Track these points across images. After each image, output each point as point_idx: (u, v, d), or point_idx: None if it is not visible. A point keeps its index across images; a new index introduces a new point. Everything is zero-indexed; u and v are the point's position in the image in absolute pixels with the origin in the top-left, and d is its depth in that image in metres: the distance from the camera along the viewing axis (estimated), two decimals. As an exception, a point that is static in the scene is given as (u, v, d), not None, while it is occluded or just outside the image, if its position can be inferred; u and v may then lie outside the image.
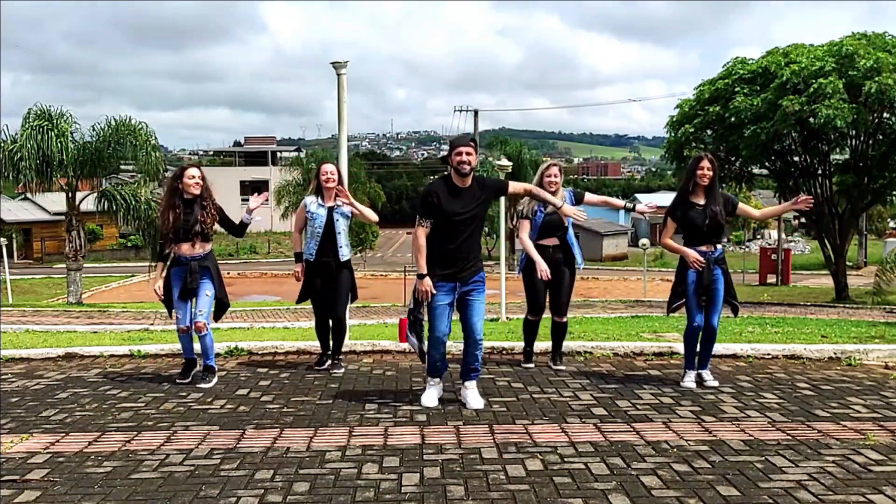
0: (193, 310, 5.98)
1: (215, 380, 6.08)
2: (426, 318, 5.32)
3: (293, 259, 6.77)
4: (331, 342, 6.68)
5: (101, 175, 24.61)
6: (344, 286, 6.46)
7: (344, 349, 7.19)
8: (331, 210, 6.38)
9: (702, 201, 5.79)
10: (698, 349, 5.98)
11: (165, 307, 6.23)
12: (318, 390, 5.87)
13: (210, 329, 6.03)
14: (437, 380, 5.43)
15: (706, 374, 5.99)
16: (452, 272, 5.19)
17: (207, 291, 5.96)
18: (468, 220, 5.16)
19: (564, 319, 6.59)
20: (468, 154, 5.08)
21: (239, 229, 6.28)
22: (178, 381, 6.14)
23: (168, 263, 6.10)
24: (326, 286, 6.45)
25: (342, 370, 6.53)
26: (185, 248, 5.90)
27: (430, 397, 5.36)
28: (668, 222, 5.97)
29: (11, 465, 4.20)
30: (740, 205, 6.04)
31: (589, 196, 6.71)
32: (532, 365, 6.64)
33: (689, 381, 5.94)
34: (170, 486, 3.87)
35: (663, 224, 6.08)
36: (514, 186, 5.56)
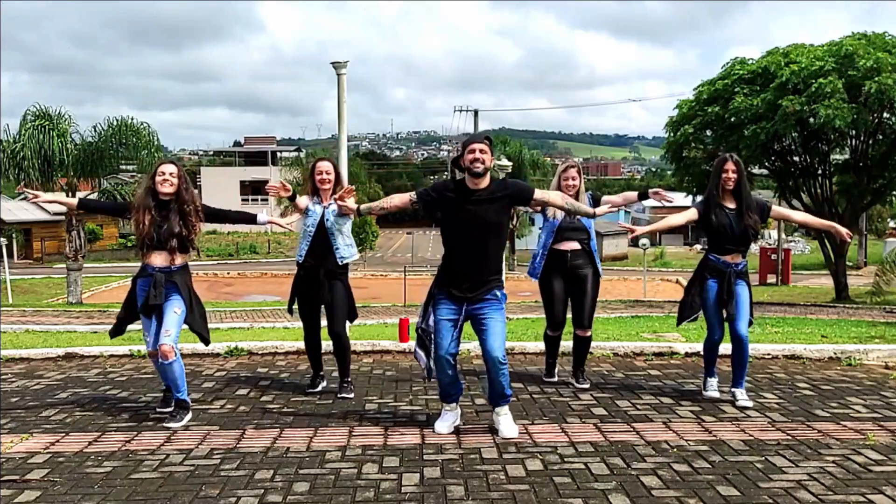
0: (161, 330, 5.00)
1: (188, 416, 5.07)
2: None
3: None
4: (321, 361, 5.95)
5: (102, 175, 24.66)
6: (339, 299, 5.65)
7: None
8: (325, 209, 5.68)
9: (732, 205, 5.33)
10: (731, 366, 5.45)
11: (116, 321, 5.32)
12: (319, 390, 5.86)
13: (179, 355, 5.02)
14: (453, 405, 4.84)
15: (740, 392, 5.40)
16: (459, 292, 4.63)
17: (176, 308, 5.03)
18: (482, 228, 4.60)
19: (588, 333, 5.92)
20: (482, 152, 4.55)
21: (237, 217, 5.53)
22: (157, 409, 5.30)
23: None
24: (315, 294, 5.70)
25: (352, 395, 5.70)
26: (155, 258, 5.07)
27: (444, 425, 4.77)
28: (689, 211, 5.45)
29: (11, 465, 4.20)
30: (774, 208, 5.59)
31: (606, 199, 5.95)
32: (555, 378, 6.09)
33: (713, 388, 5.54)
34: (170, 486, 3.87)
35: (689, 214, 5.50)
36: (544, 195, 4.83)
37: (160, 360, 4.99)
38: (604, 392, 5.74)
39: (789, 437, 4.60)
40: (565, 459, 4.21)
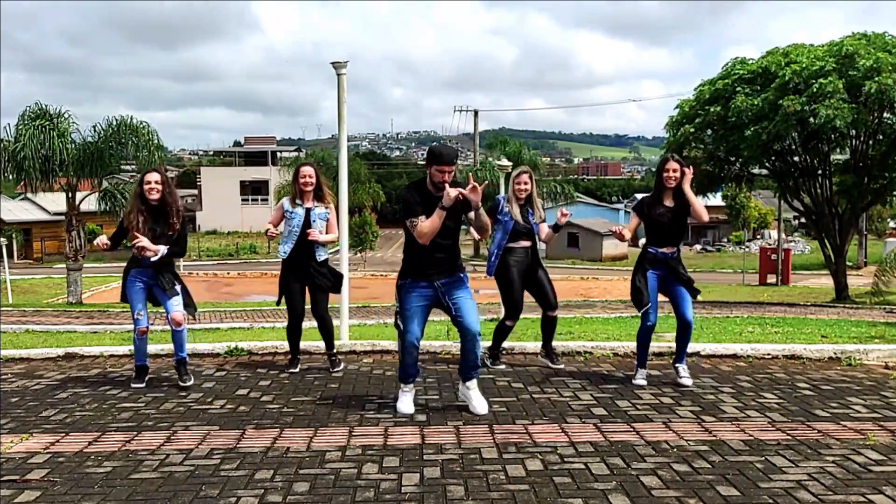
0: (168, 304, 5.85)
1: (192, 379, 6.00)
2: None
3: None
4: (305, 343, 6.68)
5: (102, 175, 24.63)
6: (323, 284, 6.39)
7: (344, 349, 7.20)
8: (308, 210, 6.30)
9: (670, 203, 5.85)
10: (675, 343, 6.07)
11: (130, 306, 5.97)
12: (318, 390, 5.87)
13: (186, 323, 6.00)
14: (411, 385, 5.32)
15: (682, 368, 6.01)
16: (430, 273, 5.08)
17: (178, 288, 5.91)
18: (447, 228, 5.02)
19: (556, 313, 6.63)
20: (450, 174, 4.95)
21: (178, 252, 5.98)
22: (133, 384, 6.01)
23: (128, 265, 5.95)
24: (301, 284, 6.37)
25: (341, 368, 6.52)
26: (150, 253, 5.75)
27: (407, 404, 5.24)
28: (632, 217, 6.08)
29: (11, 465, 4.20)
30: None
31: (542, 227, 6.57)
32: (503, 366, 6.62)
33: (641, 378, 5.98)
34: (170, 486, 3.87)
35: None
36: (480, 211, 5.11)
37: (174, 327, 5.84)
38: (604, 392, 5.74)
39: (789, 437, 4.61)
40: (565, 459, 4.21)
